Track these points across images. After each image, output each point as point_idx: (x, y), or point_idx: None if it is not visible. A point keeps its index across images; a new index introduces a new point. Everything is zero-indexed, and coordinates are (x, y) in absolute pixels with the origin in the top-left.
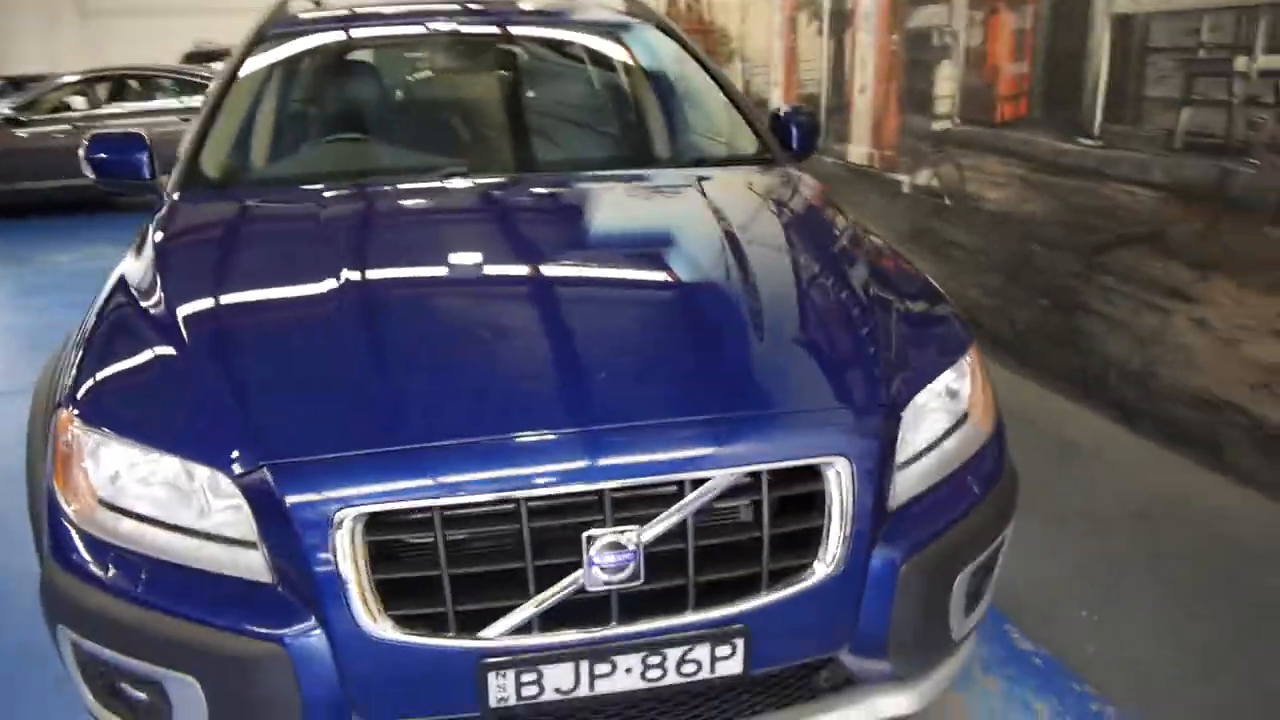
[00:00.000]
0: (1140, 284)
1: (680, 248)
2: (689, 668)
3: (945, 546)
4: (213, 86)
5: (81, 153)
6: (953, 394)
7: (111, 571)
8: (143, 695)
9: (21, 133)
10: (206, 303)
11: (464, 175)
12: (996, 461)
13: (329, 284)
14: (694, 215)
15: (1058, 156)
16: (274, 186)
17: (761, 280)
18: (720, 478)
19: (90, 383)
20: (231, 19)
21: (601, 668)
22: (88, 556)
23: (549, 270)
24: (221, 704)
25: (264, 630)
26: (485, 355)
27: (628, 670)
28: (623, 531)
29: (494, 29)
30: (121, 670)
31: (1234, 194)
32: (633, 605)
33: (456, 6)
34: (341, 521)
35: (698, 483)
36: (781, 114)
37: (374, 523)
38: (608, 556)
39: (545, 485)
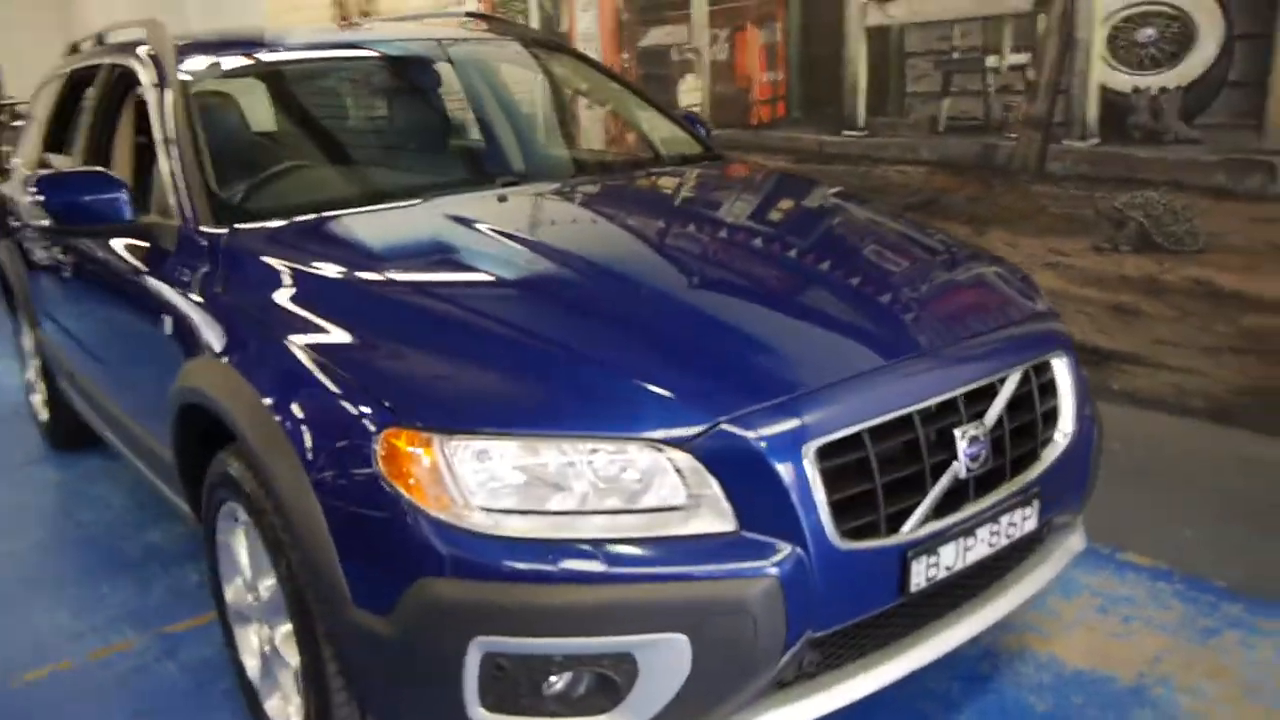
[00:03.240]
0: None
1: (805, 217)
2: (1011, 529)
3: (1096, 414)
4: (170, 114)
5: (30, 198)
6: None
7: (549, 564)
8: (586, 679)
9: None
10: (485, 293)
11: (516, 184)
12: None
13: (577, 266)
14: (779, 192)
15: (823, 147)
16: (337, 208)
17: (897, 237)
18: (1016, 373)
19: (420, 391)
20: None
21: (969, 541)
22: (508, 559)
23: (753, 241)
24: (710, 652)
25: (758, 567)
26: (808, 304)
27: (982, 540)
28: (978, 426)
29: (433, 51)
30: (575, 657)
31: (998, 163)
32: (977, 486)
33: (382, 34)
34: (808, 452)
35: (1001, 382)
36: (689, 117)
37: (822, 450)
38: (971, 447)
39: (929, 397)
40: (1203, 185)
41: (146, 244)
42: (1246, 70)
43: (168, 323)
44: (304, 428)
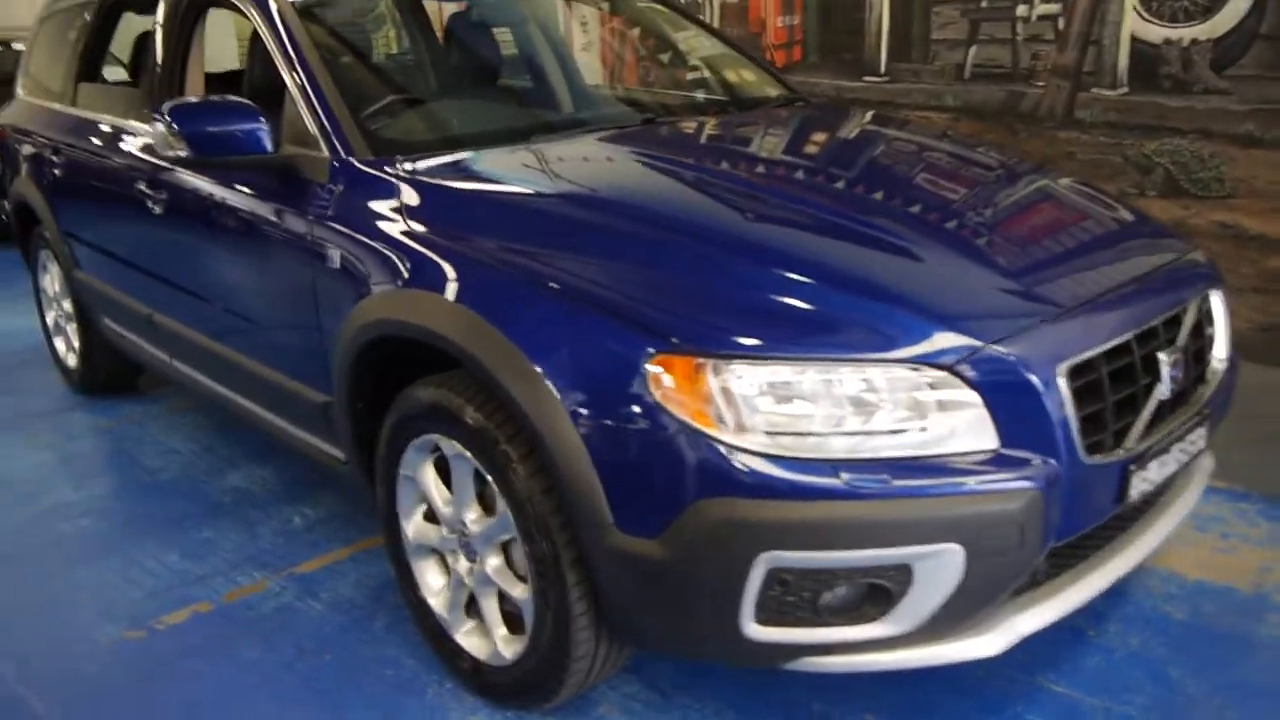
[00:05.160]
0: None
1: (939, 156)
2: (1190, 447)
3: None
4: (296, 41)
5: (162, 126)
6: None
7: (834, 480)
8: (859, 590)
9: None
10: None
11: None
12: None
13: (795, 197)
14: (897, 130)
15: (841, 93)
16: (480, 144)
17: (1068, 183)
18: (1195, 302)
19: (689, 317)
20: None
21: (1165, 458)
22: (793, 476)
23: (950, 179)
24: (980, 561)
25: (1023, 480)
26: (1030, 237)
27: (1173, 457)
28: (1174, 350)
29: None
30: (857, 569)
31: (1024, 110)
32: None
33: None
34: (1062, 372)
35: (1185, 310)
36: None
37: (1071, 371)
38: (1173, 369)
39: (1145, 322)
40: (1230, 134)
41: (284, 178)
42: (1277, 24)
43: (334, 258)
44: (557, 357)
